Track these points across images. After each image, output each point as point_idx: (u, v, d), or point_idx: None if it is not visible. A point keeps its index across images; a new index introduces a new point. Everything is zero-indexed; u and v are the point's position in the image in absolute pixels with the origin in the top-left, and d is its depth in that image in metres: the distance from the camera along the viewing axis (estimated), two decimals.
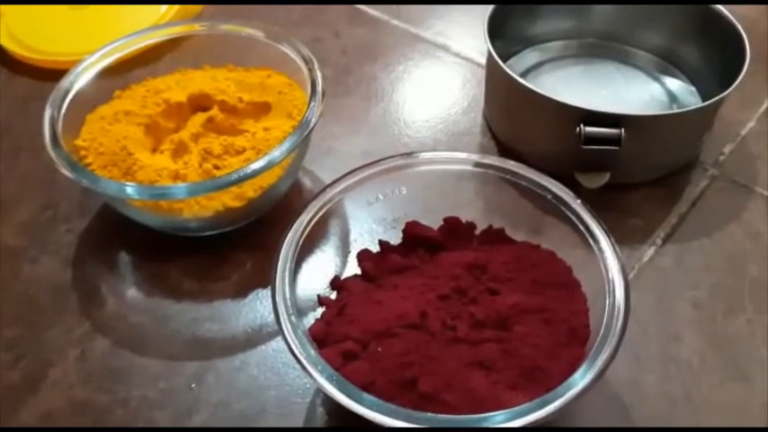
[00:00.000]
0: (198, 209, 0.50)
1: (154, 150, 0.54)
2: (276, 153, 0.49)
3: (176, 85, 0.57)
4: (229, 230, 0.54)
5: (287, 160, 0.50)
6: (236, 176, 0.48)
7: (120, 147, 0.52)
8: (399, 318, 0.41)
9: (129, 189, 0.48)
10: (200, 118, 0.55)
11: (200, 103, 0.57)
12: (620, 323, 0.39)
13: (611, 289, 0.40)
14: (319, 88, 0.53)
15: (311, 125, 0.51)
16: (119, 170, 0.51)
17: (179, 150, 0.53)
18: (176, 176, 0.51)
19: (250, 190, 0.51)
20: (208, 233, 0.54)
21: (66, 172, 0.49)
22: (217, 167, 0.51)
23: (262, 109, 0.57)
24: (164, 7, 0.71)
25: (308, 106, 0.52)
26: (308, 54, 0.56)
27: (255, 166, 0.48)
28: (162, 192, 0.48)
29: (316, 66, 0.55)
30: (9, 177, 0.60)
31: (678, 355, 0.48)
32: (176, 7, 0.71)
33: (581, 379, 0.36)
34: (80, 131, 0.54)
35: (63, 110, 0.53)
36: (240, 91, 0.57)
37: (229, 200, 0.51)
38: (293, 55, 0.56)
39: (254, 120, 0.56)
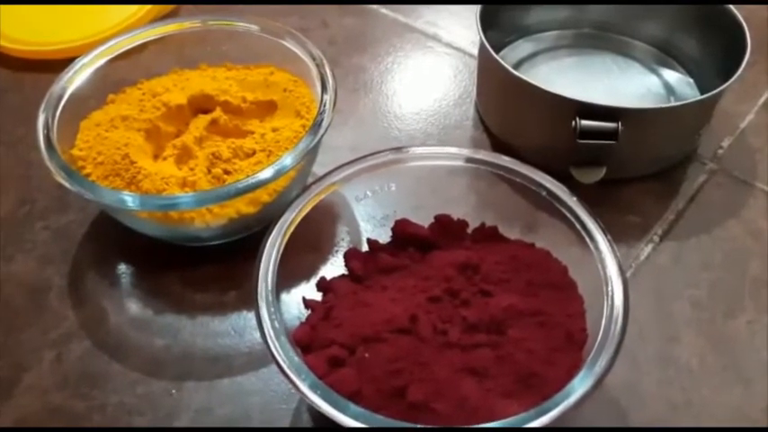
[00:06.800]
0: (210, 217, 0.47)
1: (156, 157, 0.51)
2: (289, 158, 0.46)
3: (174, 87, 0.54)
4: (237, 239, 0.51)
5: (301, 162, 0.48)
6: (253, 182, 0.45)
7: (122, 155, 0.49)
8: (388, 322, 0.39)
9: (132, 200, 0.45)
10: (202, 120, 0.53)
11: (201, 105, 0.54)
12: (618, 327, 0.37)
13: (610, 291, 0.39)
14: (330, 86, 0.50)
15: (325, 126, 0.48)
16: (121, 180, 0.48)
17: (182, 156, 0.50)
18: (184, 184, 0.48)
19: (264, 194, 0.48)
20: (217, 242, 0.51)
21: (68, 185, 0.45)
22: (227, 172, 0.48)
23: (267, 108, 0.54)
24: None
25: (320, 106, 0.49)
26: (316, 52, 0.53)
27: (269, 172, 0.45)
28: (171, 202, 0.45)
29: (325, 62, 0.52)
30: None
31: (677, 356, 0.46)
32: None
33: (579, 387, 0.34)
34: (74, 140, 0.51)
35: (56, 117, 0.49)
36: (243, 90, 0.55)
37: (243, 206, 0.48)
38: (296, 50, 0.54)
39: (258, 120, 0.54)
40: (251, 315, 0.48)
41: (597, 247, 0.41)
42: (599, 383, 0.35)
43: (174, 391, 0.45)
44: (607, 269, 0.40)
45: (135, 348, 0.47)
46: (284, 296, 0.41)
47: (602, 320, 0.38)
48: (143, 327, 0.48)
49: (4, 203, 0.55)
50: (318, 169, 0.53)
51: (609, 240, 0.41)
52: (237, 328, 0.48)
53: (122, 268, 0.52)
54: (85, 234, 0.54)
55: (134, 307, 0.49)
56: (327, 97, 0.50)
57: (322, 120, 0.48)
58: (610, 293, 0.39)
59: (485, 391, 0.36)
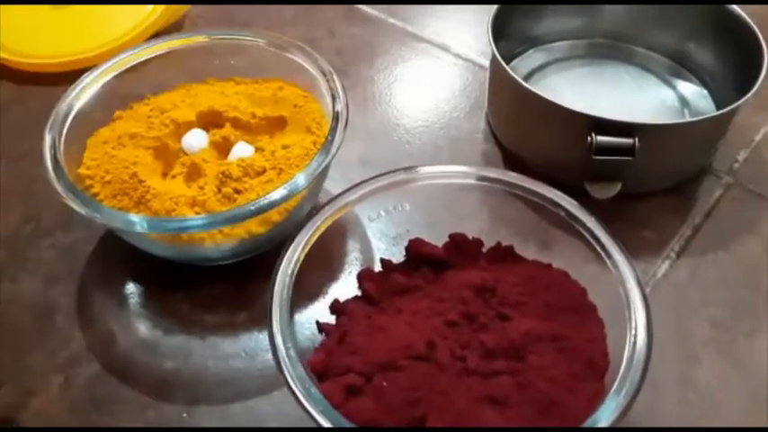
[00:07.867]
0: (221, 238, 0.46)
1: (164, 175, 0.50)
2: (302, 177, 0.45)
3: (182, 103, 0.53)
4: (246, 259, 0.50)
5: (313, 181, 0.46)
6: (265, 203, 0.44)
7: (130, 174, 0.47)
8: (405, 348, 0.38)
9: (140, 222, 0.44)
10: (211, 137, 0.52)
11: (210, 121, 0.53)
12: (643, 355, 0.36)
13: (633, 316, 0.38)
14: (342, 102, 0.49)
15: (337, 145, 0.47)
16: (129, 200, 0.47)
17: (192, 174, 0.49)
18: (194, 203, 0.47)
19: (275, 214, 0.47)
20: (227, 262, 0.50)
21: (77, 208, 0.44)
22: (237, 191, 0.47)
23: (276, 124, 0.53)
24: (149, 6, 0.68)
25: (332, 123, 0.48)
26: (326, 66, 0.52)
27: (282, 192, 0.44)
28: (181, 225, 0.44)
29: (335, 77, 0.51)
30: None
31: (697, 378, 0.46)
32: (162, 7, 0.67)
33: (603, 417, 0.34)
34: (81, 158, 0.50)
35: (63, 136, 0.48)
36: (252, 106, 0.53)
37: (254, 226, 0.47)
38: (305, 64, 0.53)
39: (268, 136, 0.52)
40: (262, 336, 0.47)
41: (617, 268, 0.40)
42: (625, 414, 0.34)
43: (185, 414, 0.44)
44: (629, 293, 0.39)
45: (144, 371, 0.46)
46: (298, 317, 0.40)
47: (624, 346, 0.37)
48: (152, 349, 0.47)
49: (8, 221, 0.54)
50: (329, 185, 0.52)
51: (629, 261, 0.40)
52: (249, 350, 0.47)
53: (130, 288, 0.51)
54: (92, 252, 0.53)
55: (142, 328, 0.48)
56: (339, 113, 0.49)
57: (334, 138, 0.47)
58: (632, 319, 0.38)
59: (505, 420, 0.36)
